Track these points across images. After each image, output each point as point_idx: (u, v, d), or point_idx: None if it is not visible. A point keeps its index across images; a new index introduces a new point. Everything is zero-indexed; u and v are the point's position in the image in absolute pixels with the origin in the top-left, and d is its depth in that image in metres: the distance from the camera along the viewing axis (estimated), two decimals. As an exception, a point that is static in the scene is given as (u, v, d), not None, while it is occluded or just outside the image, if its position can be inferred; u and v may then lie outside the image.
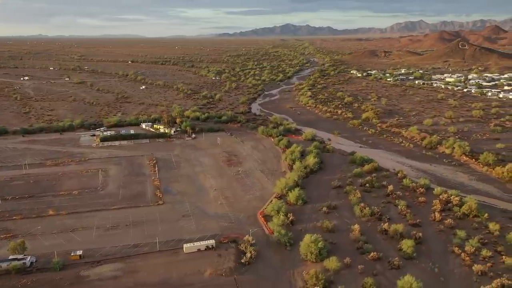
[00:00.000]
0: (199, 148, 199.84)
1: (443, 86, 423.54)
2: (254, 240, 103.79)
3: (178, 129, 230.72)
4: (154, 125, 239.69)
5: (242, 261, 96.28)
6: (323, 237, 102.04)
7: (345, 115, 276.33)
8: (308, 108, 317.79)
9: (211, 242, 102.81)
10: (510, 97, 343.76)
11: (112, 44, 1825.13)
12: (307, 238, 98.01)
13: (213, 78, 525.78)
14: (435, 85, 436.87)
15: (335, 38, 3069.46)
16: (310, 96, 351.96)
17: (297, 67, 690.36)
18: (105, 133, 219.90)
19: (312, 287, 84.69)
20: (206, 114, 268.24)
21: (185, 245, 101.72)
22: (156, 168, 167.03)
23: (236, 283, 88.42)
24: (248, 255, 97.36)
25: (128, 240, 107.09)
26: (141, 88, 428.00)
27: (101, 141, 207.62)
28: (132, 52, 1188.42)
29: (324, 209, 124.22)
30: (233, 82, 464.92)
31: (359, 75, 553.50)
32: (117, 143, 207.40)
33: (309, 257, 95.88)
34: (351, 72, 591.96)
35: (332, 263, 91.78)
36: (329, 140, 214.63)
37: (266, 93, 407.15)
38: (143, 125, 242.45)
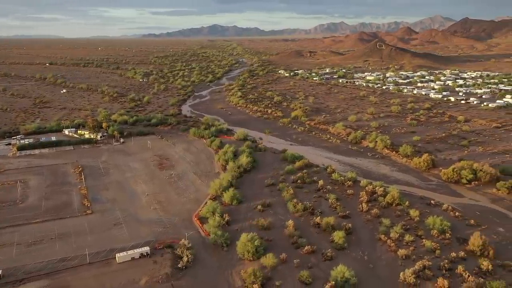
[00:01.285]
0: (129, 153, 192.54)
1: (364, 84, 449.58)
2: (190, 243, 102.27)
3: (105, 134, 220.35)
4: (78, 131, 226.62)
5: (179, 266, 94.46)
6: (259, 235, 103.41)
7: (275, 114, 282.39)
8: (239, 108, 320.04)
9: (146, 249, 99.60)
10: (423, 93, 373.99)
11: (27, 45, 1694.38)
12: (244, 237, 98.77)
13: (141, 80, 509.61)
14: (357, 83, 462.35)
15: (263, 38, 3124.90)
16: (241, 96, 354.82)
17: (226, 68, 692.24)
18: (22, 141, 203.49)
19: (251, 285, 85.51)
20: (134, 118, 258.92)
21: (117, 255, 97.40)
22: (83, 176, 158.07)
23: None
24: (185, 259, 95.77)
25: (55, 254, 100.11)
26: (61, 92, 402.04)
27: (18, 150, 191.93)
28: (50, 53, 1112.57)
29: (259, 207, 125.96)
30: (161, 84, 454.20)
31: (287, 74, 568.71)
32: (37, 151, 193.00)
33: (246, 256, 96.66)
34: (279, 72, 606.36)
35: (269, 260, 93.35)
36: (261, 139, 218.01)
37: (196, 94, 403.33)
38: (66, 131, 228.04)
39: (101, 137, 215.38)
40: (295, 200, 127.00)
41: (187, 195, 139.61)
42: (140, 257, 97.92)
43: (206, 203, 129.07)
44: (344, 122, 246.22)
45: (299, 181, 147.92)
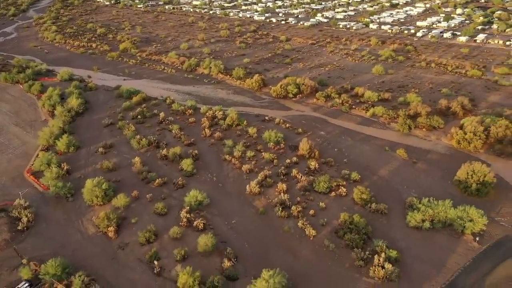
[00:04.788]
0: None
1: (191, 10, 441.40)
2: (27, 202, 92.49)
3: None
4: None
5: (19, 228, 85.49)
6: (106, 178, 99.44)
7: (102, 48, 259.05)
8: (57, 44, 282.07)
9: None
10: (248, 15, 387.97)
11: None
12: (89, 183, 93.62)
13: None
14: (184, 9, 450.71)
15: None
16: (57, 31, 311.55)
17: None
18: None
19: (106, 229, 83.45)
20: None
21: None
22: None
23: (18, 253, 78.75)
24: (24, 219, 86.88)
25: None
26: None
27: None
28: None
29: (101, 150, 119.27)
30: None
31: (108, 3, 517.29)
32: None
33: (95, 201, 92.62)
34: (98, 0, 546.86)
35: (120, 200, 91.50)
36: (90, 77, 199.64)
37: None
38: None
39: None
40: (138, 137, 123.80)
41: (11, 151, 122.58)
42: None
43: (37, 155, 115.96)
44: (177, 51, 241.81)
45: (139, 116, 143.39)
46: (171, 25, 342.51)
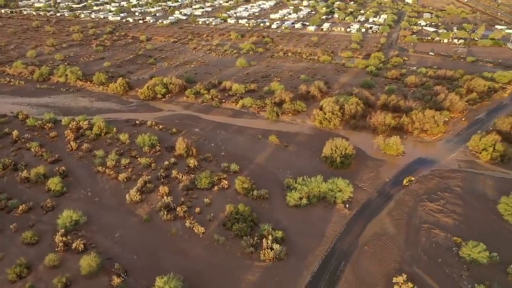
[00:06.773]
0: None
1: (34, 13, 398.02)
2: None
3: None
4: None
5: None
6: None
7: None
8: None
9: None
10: (101, 16, 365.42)
11: None
12: None
13: None
14: (25, 12, 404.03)
15: None
16: None
17: None
18: None
19: (-38, 274, 71.19)
20: None
21: None
22: None
23: None
24: None
25: None
26: None
27: None
28: None
29: None
30: None
31: None
32: None
33: None
34: None
35: (-23, 237, 78.90)
36: None
37: None
38: None
39: None
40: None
41: None
42: None
43: None
44: (23, 60, 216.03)
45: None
46: (12, 31, 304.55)
